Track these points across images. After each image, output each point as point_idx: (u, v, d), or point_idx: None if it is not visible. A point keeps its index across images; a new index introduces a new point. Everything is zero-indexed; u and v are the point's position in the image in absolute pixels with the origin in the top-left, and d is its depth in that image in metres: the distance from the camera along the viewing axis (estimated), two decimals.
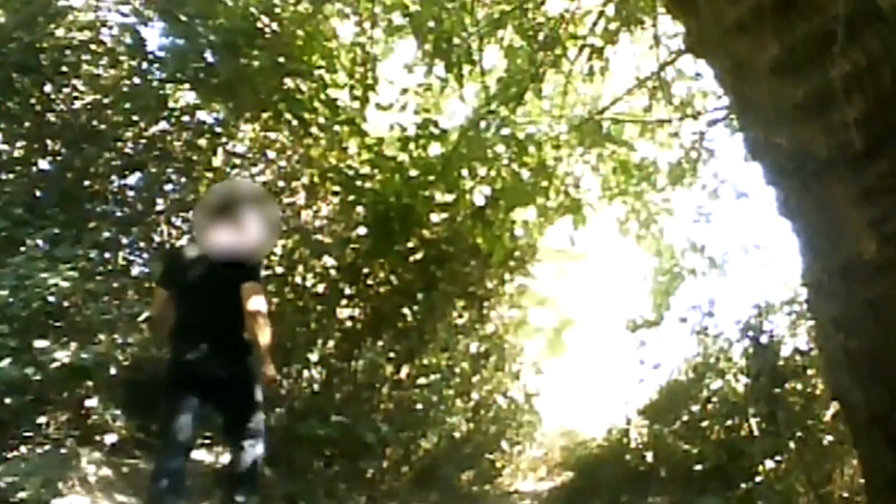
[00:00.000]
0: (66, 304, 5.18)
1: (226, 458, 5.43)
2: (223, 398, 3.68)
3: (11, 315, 4.67)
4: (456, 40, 6.47)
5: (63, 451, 4.53)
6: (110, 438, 4.94)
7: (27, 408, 4.64)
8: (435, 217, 7.30)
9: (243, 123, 7.28)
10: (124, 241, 6.66)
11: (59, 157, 6.74)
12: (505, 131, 6.83)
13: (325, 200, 7.45)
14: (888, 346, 2.13)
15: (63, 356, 4.70)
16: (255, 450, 3.69)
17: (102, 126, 6.72)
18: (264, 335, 3.56)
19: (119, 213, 6.74)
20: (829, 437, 4.51)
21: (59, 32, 6.69)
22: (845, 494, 4.19)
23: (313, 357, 6.80)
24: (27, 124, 6.61)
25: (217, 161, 7.13)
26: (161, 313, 3.82)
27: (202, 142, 7.09)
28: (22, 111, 6.57)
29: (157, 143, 6.89)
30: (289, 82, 6.89)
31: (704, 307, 6.00)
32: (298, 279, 7.15)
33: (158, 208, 6.87)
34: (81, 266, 5.24)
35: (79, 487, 4.36)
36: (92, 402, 4.94)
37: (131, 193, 6.95)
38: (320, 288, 7.15)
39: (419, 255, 7.25)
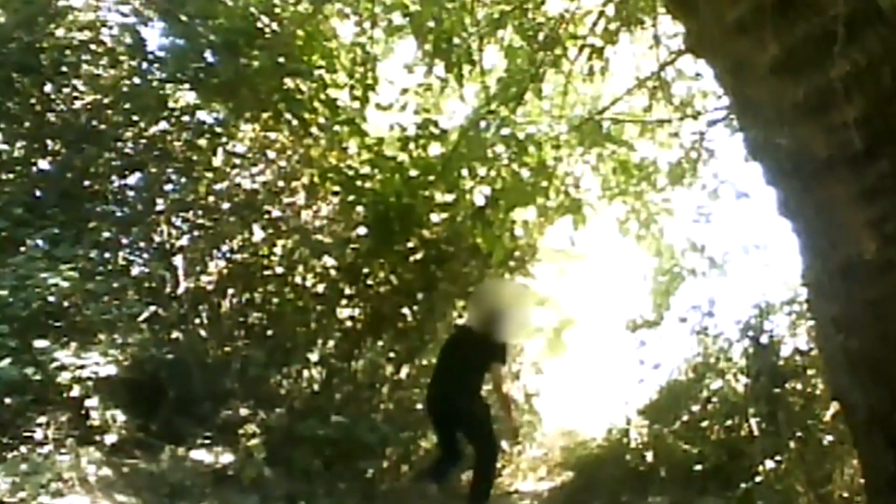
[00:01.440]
0: (66, 304, 5.18)
1: (225, 458, 5.46)
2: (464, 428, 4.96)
3: (11, 315, 4.67)
4: (456, 40, 6.47)
5: (63, 451, 4.53)
6: (110, 438, 4.93)
7: (27, 408, 4.64)
8: (435, 217, 7.29)
9: (243, 123, 7.27)
10: (124, 241, 6.66)
11: (59, 157, 6.74)
12: (505, 131, 6.83)
13: (325, 200, 7.45)
14: (888, 346, 2.12)
15: (63, 356, 4.70)
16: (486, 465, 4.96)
17: (102, 126, 6.72)
18: (510, 404, 5.04)
19: (119, 213, 6.74)
20: (829, 437, 4.50)
21: (59, 32, 6.68)
22: (845, 494, 4.18)
23: (313, 357, 6.80)
24: (27, 124, 6.61)
25: (217, 161, 7.13)
26: None
27: (202, 142, 7.08)
28: (22, 111, 6.57)
29: (157, 143, 6.89)
30: (289, 82, 6.89)
31: (704, 307, 5.99)
32: (298, 279, 7.15)
33: (158, 208, 6.86)
34: (81, 266, 5.24)
35: (79, 487, 4.35)
36: (92, 402, 4.93)
37: (131, 193, 6.95)
38: (320, 288, 7.15)
39: (419, 255, 7.24)
